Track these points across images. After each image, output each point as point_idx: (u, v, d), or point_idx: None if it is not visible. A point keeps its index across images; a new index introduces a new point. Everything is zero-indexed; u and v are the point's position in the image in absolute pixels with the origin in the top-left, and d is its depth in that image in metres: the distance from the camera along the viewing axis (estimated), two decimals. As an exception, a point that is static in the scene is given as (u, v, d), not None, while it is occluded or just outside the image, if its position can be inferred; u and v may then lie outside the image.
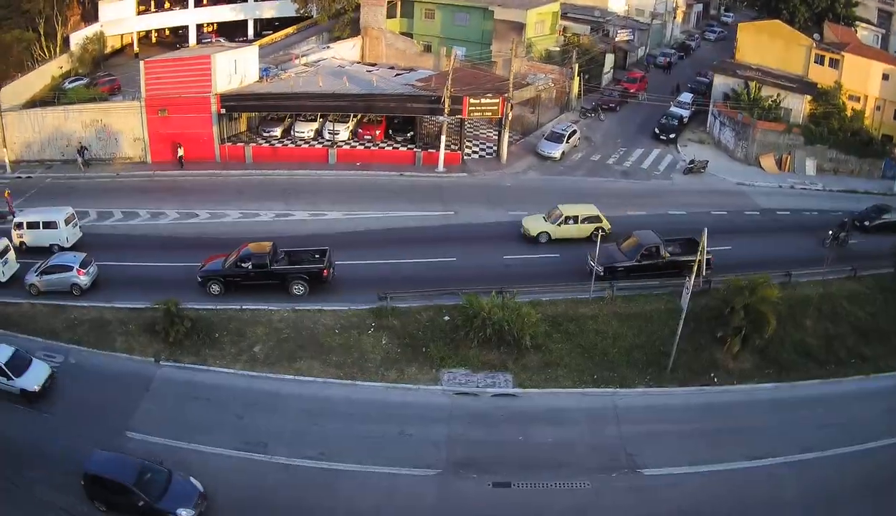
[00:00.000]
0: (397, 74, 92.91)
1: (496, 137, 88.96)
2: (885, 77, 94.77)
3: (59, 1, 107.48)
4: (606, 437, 47.89)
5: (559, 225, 66.83)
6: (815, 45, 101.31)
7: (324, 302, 57.48)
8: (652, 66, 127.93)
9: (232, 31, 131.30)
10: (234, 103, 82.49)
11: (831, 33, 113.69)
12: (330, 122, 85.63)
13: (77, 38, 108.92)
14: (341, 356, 53.03)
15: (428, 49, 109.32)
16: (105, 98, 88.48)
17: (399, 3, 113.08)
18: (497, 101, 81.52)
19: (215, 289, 57.92)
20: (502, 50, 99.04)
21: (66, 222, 63.37)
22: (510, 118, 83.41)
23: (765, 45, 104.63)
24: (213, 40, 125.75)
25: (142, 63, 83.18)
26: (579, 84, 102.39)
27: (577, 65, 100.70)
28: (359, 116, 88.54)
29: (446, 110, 78.31)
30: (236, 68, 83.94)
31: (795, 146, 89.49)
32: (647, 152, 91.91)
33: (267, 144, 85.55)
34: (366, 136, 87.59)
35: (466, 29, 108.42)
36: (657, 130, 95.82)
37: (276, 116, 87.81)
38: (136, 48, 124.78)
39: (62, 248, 61.83)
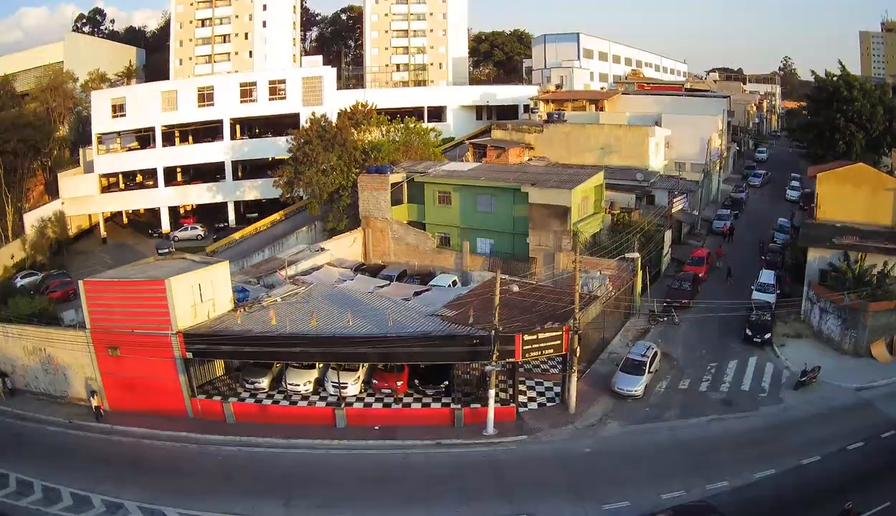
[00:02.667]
0: (416, 293, 75.36)
1: (555, 372, 69.42)
2: None
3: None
4: None
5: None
6: None
7: None
8: (706, 235, 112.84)
9: (213, 215, 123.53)
10: (202, 346, 64.30)
11: None
12: (333, 370, 65.70)
13: (33, 219, 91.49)
14: None
15: (446, 242, 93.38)
16: (52, 316, 75.62)
17: (406, 186, 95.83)
18: (559, 333, 61.75)
19: None
20: (541, 242, 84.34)
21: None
22: (578, 353, 63.52)
23: (849, 196, 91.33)
24: (190, 227, 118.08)
25: (81, 284, 66.66)
26: (643, 278, 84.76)
27: (638, 255, 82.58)
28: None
29: (494, 358, 59.05)
30: (202, 294, 65.83)
31: None
32: (741, 363, 74.10)
33: (252, 400, 66.15)
34: (384, 389, 66.88)
35: (493, 216, 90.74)
36: (748, 331, 78.14)
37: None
38: (103, 231, 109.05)
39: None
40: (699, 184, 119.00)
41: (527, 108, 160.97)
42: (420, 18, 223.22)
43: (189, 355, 63.71)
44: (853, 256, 79.34)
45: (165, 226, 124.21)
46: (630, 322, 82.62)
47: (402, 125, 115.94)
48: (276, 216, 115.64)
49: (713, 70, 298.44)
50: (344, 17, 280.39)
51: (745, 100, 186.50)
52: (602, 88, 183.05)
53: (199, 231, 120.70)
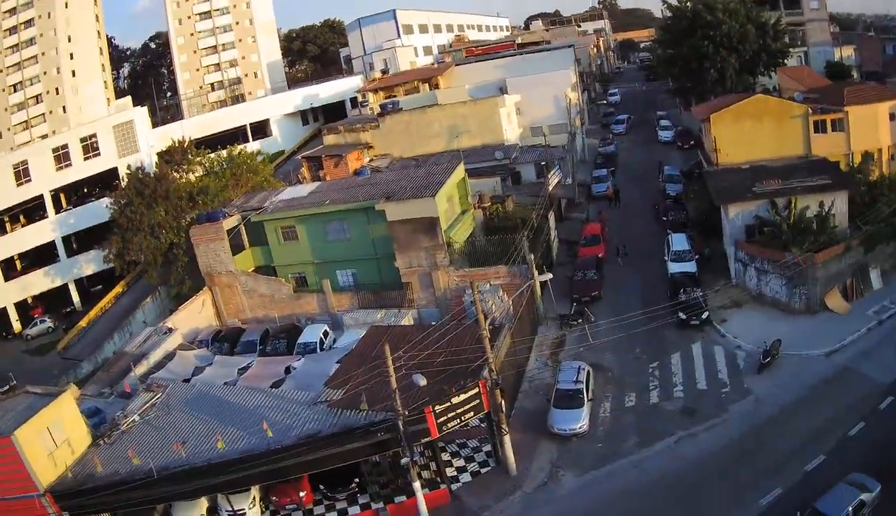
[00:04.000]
0: (287, 370, 63.82)
1: (476, 424, 55.28)
2: (893, 117, 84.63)
3: None
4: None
5: None
6: (810, 111, 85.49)
7: None
8: (587, 203, 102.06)
9: (62, 299, 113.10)
10: (75, 502, 50.30)
11: (789, 79, 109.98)
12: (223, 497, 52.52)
13: None
14: None
15: (303, 283, 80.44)
16: None
17: (244, 229, 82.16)
18: (476, 391, 49.36)
19: None
20: (412, 263, 72.37)
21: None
22: (503, 406, 50.99)
23: (750, 132, 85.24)
24: (39, 320, 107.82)
25: None
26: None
27: (531, 254, 69.74)
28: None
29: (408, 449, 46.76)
30: (54, 438, 51.55)
31: (857, 263, 66.96)
32: (685, 355, 63.81)
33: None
34: (286, 505, 53.56)
35: (349, 243, 77.38)
36: (681, 314, 67.01)
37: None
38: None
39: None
40: (566, 148, 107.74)
41: (354, 102, 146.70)
42: (227, 30, 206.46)
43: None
44: (780, 203, 70.43)
45: (16, 324, 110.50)
46: (540, 333, 70.47)
47: (223, 156, 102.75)
48: (117, 289, 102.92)
49: (531, 18, 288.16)
50: (153, 45, 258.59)
51: (584, 43, 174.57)
52: (432, 64, 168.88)
53: (49, 323, 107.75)
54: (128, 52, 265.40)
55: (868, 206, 69.77)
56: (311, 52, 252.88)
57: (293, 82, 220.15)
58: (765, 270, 67.77)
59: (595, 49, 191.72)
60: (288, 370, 63.04)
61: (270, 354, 70.67)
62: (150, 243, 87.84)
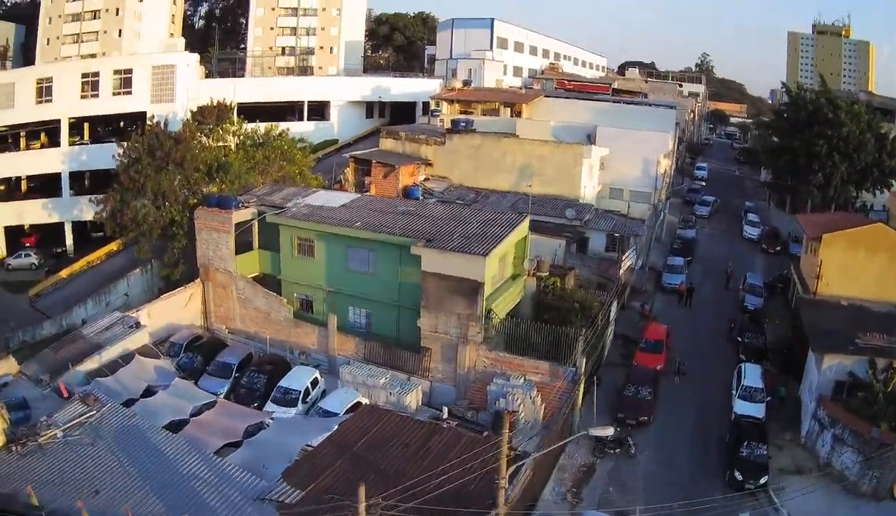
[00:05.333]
0: (249, 432, 52.16)
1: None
2: None
3: None
4: None
5: None
6: None
7: None
8: (653, 293, 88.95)
9: (59, 234, 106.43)
10: None
11: None
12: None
13: None
14: None
15: (307, 307, 67.40)
16: None
17: (257, 228, 69.47)
18: None
19: None
20: (438, 326, 58.93)
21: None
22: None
23: (860, 263, 72.19)
24: (24, 253, 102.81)
25: None
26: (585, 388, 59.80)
27: (583, 355, 56.72)
28: None
29: None
30: None
31: None
32: None
33: None
34: None
35: (371, 278, 63.58)
36: (738, 473, 54.39)
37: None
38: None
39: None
40: (646, 223, 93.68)
41: (426, 107, 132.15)
42: None
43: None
44: (880, 364, 58.11)
45: (2, 250, 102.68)
46: (567, 453, 56.71)
47: (260, 132, 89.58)
48: (112, 246, 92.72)
49: (627, 64, 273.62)
50: None
51: (683, 105, 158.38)
52: (519, 87, 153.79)
53: (34, 258, 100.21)
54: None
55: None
56: (398, 41, 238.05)
57: (371, 68, 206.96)
58: (842, 440, 55.26)
59: (691, 114, 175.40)
60: (250, 432, 50.33)
61: (244, 390, 58.26)
62: (149, 212, 75.40)
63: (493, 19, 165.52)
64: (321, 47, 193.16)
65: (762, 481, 53.68)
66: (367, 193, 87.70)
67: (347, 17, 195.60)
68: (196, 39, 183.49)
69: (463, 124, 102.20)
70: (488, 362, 57.55)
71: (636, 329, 75.94)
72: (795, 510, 50.89)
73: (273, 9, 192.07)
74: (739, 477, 53.48)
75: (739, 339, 74.27)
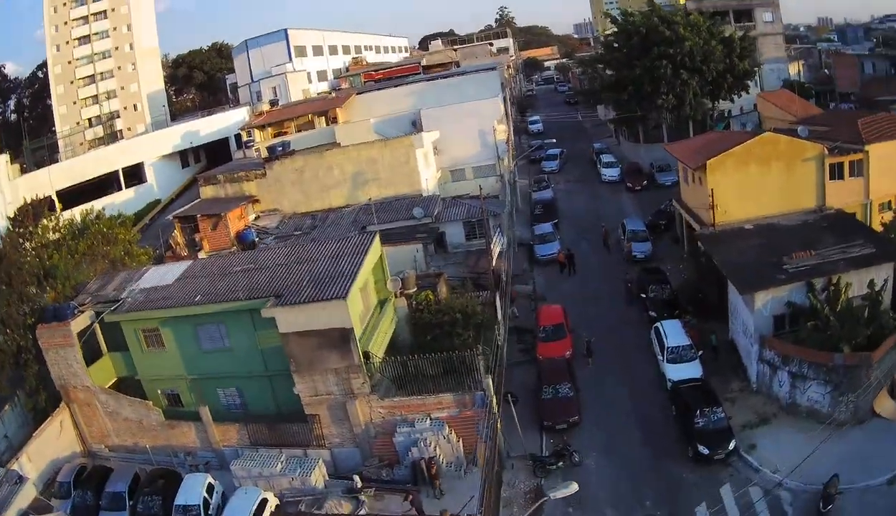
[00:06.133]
0: None
1: None
2: None
3: None
4: None
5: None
6: (826, 151, 66.80)
7: None
8: (531, 271, 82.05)
9: None
10: None
11: (771, 106, 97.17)
12: None
13: None
14: None
15: (176, 401, 58.53)
16: None
17: (100, 331, 59.87)
18: None
19: None
20: (318, 389, 50.91)
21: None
22: None
23: (756, 181, 66.24)
24: None
25: None
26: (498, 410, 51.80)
27: (487, 374, 49.87)
28: None
29: None
30: None
31: None
32: (715, 504, 45.15)
33: None
34: None
35: (230, 355, 54.95)
36: (700, 447, 48.58)
37: None
38: None
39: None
40: (500, 197, 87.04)
41: (239, 140, 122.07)
42: (106, 56, 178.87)
43: None
44: (818, 283, 53.69)
45: None
46: (506, 483, 49.65)
47: (77, 222, 79.18)
48: None
49: (428, 37, 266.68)
50: (41, 74, 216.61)
51: (500, 62, 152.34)
52: (327, 92, 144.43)
53: None
54: (13, 83, 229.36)
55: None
56: (198, 79, 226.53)
57: (180, 114, 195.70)
58: (803, 375, 50.50)
59: (509, 71, 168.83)
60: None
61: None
62: (-13, 344, 65.33)
63: (286, 30, 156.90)
64: (125, 108, 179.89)
65: (731, 447, 48.52)
66: (200, 253, 79.40)
67: (143, 71, 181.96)
68: (11, 135, 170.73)
69: (280, 148, 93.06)
70: (385, 412, 49.91)
71: (528, 317, 69.31)
72: (780, 465, 46.08)
73: (72, 82, 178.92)
74: (705, 451, 48.13)
75: (643, 296, 68.26)
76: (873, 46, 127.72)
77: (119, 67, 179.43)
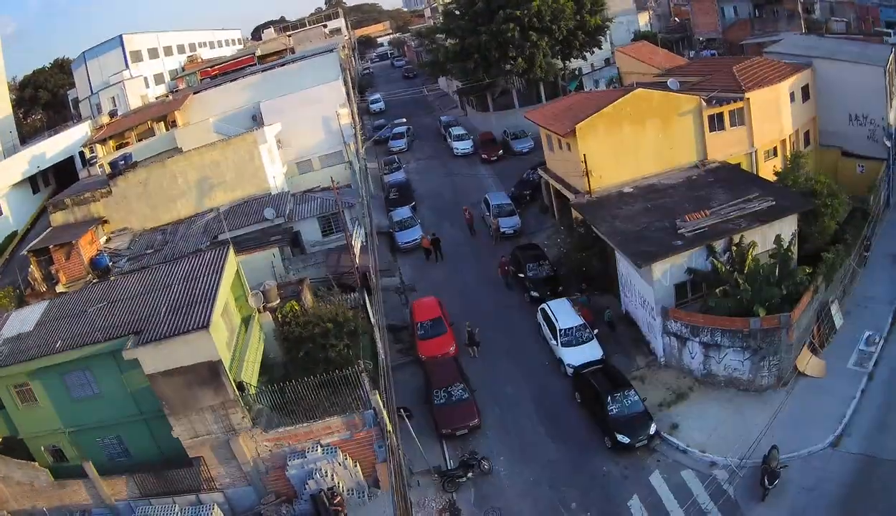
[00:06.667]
0: None
1: None
2: (792, 96, 67.11)
3: None
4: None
5: None
6: (703, 103, 63.75)
7: None
8: (396, 262, 77.96)
9: None
10: None
11: (631, 60, 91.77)
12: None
13: None
14: None
15: (59, 457, 51.94)
16: None
17: None
18: None
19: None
20: (196, 429, 45.84)
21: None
22: None
23: (629, 142, 63.16)
24: None
25: None
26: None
27: (374, 390, 45.09)
28: None
29: None
30: None
31: (819, 304, 50.68)
32: (647, 495, 42.49)
33: None
34: None
35: (102, 402, 48.95)
36: (618, 436, 45.43)
37: None
38: None
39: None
40: (353, 187, 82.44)
41: (84, 157, 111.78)
42: None
43: None
44: (718, 246, 51.21)
45: None
46: (417, 504, 45.17)
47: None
48: None
49: (261, 27, 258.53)
50: None
51: (335, 44, 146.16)
52: (165, 95, 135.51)
53: None
54: None
55: (807, 222, 53.49)
56: (44, 98, 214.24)
57: (30, 136, 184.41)
58: (718, 344, 47.82)
59: (345, 51, 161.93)
60: None
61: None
62: None
63: (121, 36, 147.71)
64: None
65: (652, 430, 45.48)
66: (58, 286, 72.72)
67: None
68: None
69: (122, 162, 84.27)
70: (271, 445, 45.03)
71: (400, 313, 64.84)
72: (709, 443, 44.06)
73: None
74: (625, 440, 44.96)
75: (521, 276, 63.79)
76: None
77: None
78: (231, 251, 52.47)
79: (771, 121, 65.78)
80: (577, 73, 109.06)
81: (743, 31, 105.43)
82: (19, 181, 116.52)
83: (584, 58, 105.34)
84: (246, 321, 52.10)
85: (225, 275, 48.98)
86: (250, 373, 47.74)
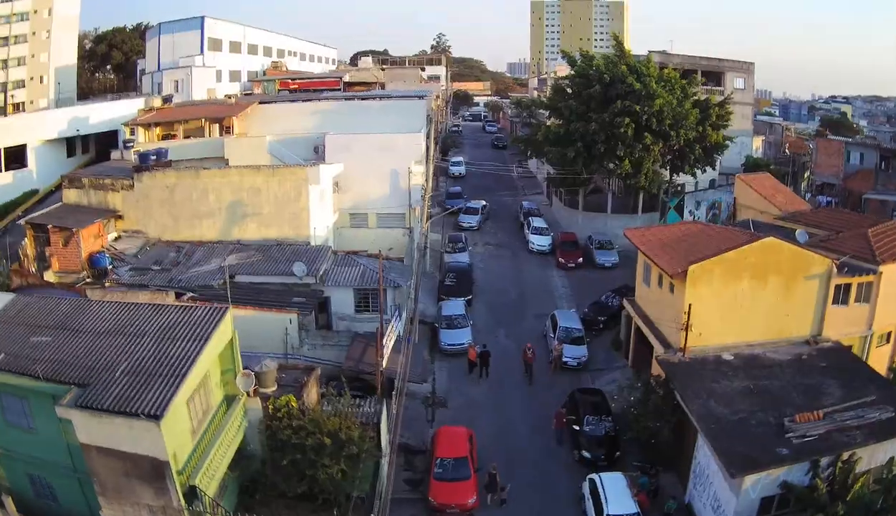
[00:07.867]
0: None
1: None
2: None
3: None
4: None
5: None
6: (835, 267, 53.27)
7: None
8: (430, 370, 66.11)
9: None
10: None
11: (753, 192, 79.98)
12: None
13: None
14: None
15: None
16: None
17: None
18: None
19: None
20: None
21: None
22: None
23: (745, 298, 52.15)
24: None
25: None
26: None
27: None
28: None
29: None
30: None
31: None
32: None
33: None
34: None
35: (35, 437, 38.96)
36: None
37: None
38: None
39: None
40: (407, 262, 71.74)
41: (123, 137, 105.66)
42: (24, 18, 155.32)
43: None
44: (823, 460, 40.84)
45: None
46: None
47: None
48: None
49: (359, 54, 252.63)
50: None
51: (429, 91, 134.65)
52: (232, 96, 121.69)
53: None
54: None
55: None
56: (116, 59, 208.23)
57: (93, 94, 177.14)
58: None
59: (437, 101, 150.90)
60: None
61: None
62: None
63: (203, 18, 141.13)
64: (31, 78, 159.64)
65: None
66: (47, 273, 64.57)
67: (57, 39, 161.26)
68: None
69: (153, 157, 75.17)
70: None
71: (420, 429, 54.44)
72: None
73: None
74: None
75: (576, 428, 52.67)
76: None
77: (34, 32, 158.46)
78: (228, 316, 41.92)
79: (893, 301, 55.96)
80: (679, 189, 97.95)
81: (865, 181, 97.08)
82: (54, 139, 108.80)
83: (694, 175, 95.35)
84: (229, 400, 41.95)
85: (210, 345, 38.88)
86: (215, 468, 37.69)
